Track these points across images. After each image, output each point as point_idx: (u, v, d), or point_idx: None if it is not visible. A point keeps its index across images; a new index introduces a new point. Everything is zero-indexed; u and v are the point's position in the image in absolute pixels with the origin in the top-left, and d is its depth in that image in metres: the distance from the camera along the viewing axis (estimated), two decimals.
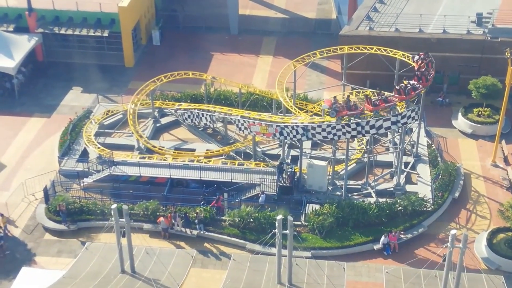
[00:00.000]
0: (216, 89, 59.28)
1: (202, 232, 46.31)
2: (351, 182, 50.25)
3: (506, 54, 49.04)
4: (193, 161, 51.14)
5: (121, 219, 40.00)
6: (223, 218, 47.14)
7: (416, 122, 50.31)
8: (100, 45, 66.76)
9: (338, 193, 49.05)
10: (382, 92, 47.24)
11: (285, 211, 45.28)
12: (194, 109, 54.80)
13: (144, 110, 57.31)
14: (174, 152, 52.59)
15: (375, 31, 60.76)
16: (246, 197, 48.70)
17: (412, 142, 53.31)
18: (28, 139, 56.18)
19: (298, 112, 50.22)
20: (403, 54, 51.92)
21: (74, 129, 55.31)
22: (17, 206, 48.95)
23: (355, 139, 53.43)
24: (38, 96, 61.79)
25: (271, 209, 47.05)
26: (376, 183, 50.36)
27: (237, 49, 69.61)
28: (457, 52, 59.42)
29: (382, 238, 45.17)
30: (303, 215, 47.21)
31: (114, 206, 39.98)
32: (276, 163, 50.61)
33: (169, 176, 49.74)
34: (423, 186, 49.86)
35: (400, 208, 47.20)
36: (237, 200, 48.40)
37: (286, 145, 52.67)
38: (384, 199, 48.09)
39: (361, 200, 48.10)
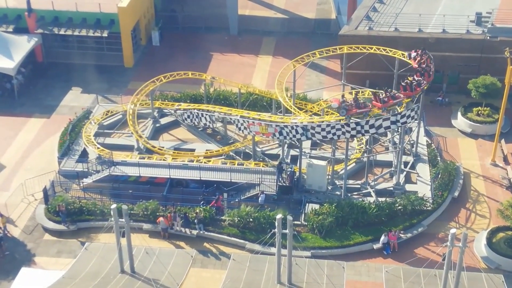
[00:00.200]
0: (216, 89, 59.31)
1: (201, 232, 46.30)
2: (350, 181, 50.25)
3: (506, 54, 49.06)
4: (192, 161, 51.14)
5: (120, 219, 40.04)
6: (223, 218, 47.13)
7: (416, 121, 50.36)
8: (100, 46, 66.85)
9: (338, 192, 49.05)
10: (389, 89, 47.27)
11: (285, 211, 45.29)
12: (194, 109, 54.80)
13: (143, 110, 57.33)
14: (173, 152, 52.60)
15: (374, 31, 60.78)
16: (245, 197, 48.68)
17: (412, 142, 53.32)
18: (27, 139, 56.21)
19: (298, 112, 50.21)
20: (402, 54, 51.90)
21: (74, 130, 55.32)
22: (16, 207, 48.95)
23: (355, 138, 53.46)
24: (37, 97, 61.82)
25: (270, 209, 47.04)
26: (375, 182, 50.36)
27: (236, 49, 69.64)
28: (457, 52, 59.45)
29: (382, 237, 45.15)
30: (303, 215, 47.20)
31: (113, 206, 40.03)
32: (276, 163, 50.61)
33: (168, 176, 49.73)
34: (422, 186, 49.85)
35: (399, 207, 47.20)
36: (236, 200, 48.38)
37: (286, 145, 52.69)
38: (383, 199, 48.09)
39: (360, 199, 48.10)
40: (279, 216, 38.79)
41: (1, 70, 60.81)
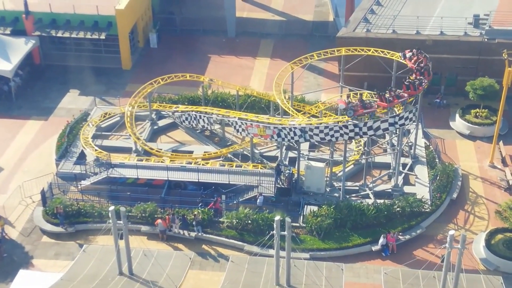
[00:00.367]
0: (214, 91, 59.28)
1: (200, 234, 46.24)
2: (349, 183, 50.24)
3: (503, 55, 49.12)
4: (190, 163, 51.08)
5: (118, 221, 39.92)
6: (221, 220, 47.09)
7: (414, 123, 50.37)
8: (97, 48, 66.78)
9: (336, 194, 49.03)
10: (394, 88, 47.29)
11: (283, 213, 45.20)
12: (192, 111, 54.74)
13: (141, 112, 57.30)
14: (171, 154, 52.54)
15: (372, 33, 60.82)
16: (244, 199, 48.65)
17: (410, 144, 53.33)
18: (25, 141, 56.10)
19: (296, 114, 50.18)
20: (400, 56, 51.88)
21: (72, 132, 55.23)
22: (14, 209, 48.85)
23: (353, 140, 53.43)
24: (35, 99, 61.72)
25: (269, 211, 47.00)
26: (374, 184, 50.34)
27: (234, 52, 69.62)
28: (455, 54, 59.48)
29: (381, 239, 45.13)
30: (301, 217, 47.16)
31: (111, 208, 39.86)
32: (274, 164, 50.56)
33: (166, 178, 49.67)
34: (421, 187, 49.84)
35: (398, 209, 47.18)
36: (235, 202, 48.33)
37: (284, 147, 52.65)
38: (382, 201, 48.05)
39: (359, 201, 48.06)
40: (277, 218, 38.70)
41: None
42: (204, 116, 53.07)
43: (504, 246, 44.49)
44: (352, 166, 52.20)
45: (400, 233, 45.92)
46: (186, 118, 54.91)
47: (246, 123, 48.50)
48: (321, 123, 46.95)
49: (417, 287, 40.45)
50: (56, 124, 57.59)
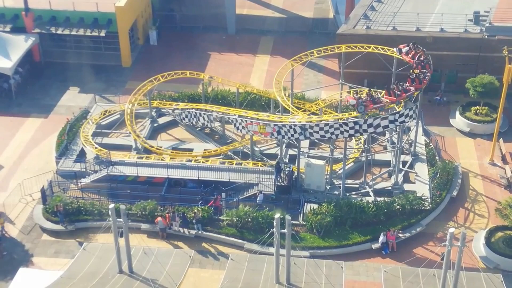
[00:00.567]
0: (214, 89, 59.22)
1: (200, 232, 46.23)
2: (349, 181, 50.21)
3: (504, 52, 49.04)
4: (190, 161, 51.06)
5: (118, 219, 39.95)
6: (221, 218, 47.07)
7: (414, 120, 50.32)
8: (97, 45, 66.74)
9: (336, 192, 49.01)
10: (401, 83, 47.25)
11: (283, 211, 45.20)
12: (192, 108, 54.72)
13: (141, 110, 57.24)
14: (171, 152, 52.51)
15: (372, 30, 60.76)
16: (244, 196, 48.63)
17: (410, 141, 53.29)
18: (25, 139, 56.07)
19: (296, 111, 50.15)
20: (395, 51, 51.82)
21: (72, 129, 55.20)
22: (14, 207, 48.83)
23: (353, 138, 53.40)
24: (35, 97, 61.67)
25: (269, 209, 46.97)
26: (374, 182, 50.32)
27: (234, 49, 69.54)
28: (455, 51, 59.42)
29: (381, 237, 45.11)
30: (301, 215, 47.15)
31: (111, 206, 39.92)
32: (274, 162, 50.54)
33: (166, 176, 49.65)
34: (421, 185, 49.82)
35: (398, 207, 47.16)
36: (235, 200, 48.33)
37: (284, 145, 52.62)
38: (382, 198, 48.04)
39: (359, 199, 48.06)
40: (277, 216, 38.72)
41: None
42: (204, 114, 53.07)
43: (504, 244, 44.44)
44: (352, 164, 52.17)
45: (400, 231, 45.92)
46: (186, 116, 54.90)
47: (246, 121, 48.46)
48: (321, 121, 46.89)
49: (417, 285, 40.56)
50: (56, 121, 57.55)
